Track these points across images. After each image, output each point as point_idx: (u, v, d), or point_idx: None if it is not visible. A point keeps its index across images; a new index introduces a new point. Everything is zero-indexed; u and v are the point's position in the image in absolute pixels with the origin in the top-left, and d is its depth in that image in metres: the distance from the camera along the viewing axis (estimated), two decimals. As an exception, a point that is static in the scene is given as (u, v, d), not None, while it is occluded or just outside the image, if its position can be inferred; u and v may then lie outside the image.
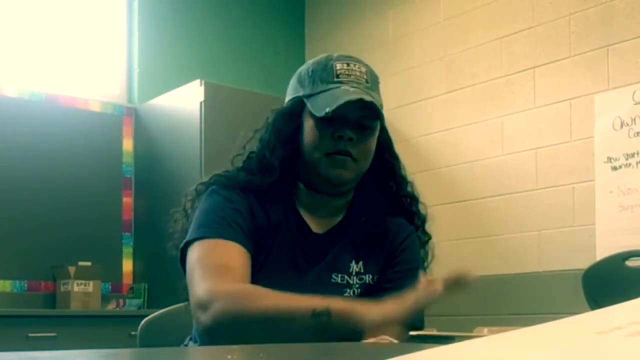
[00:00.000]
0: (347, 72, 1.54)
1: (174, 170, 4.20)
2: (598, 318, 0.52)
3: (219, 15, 4.99)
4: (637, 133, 3.65)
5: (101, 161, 4.46)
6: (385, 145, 1.64)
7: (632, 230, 3.61)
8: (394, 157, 1.66)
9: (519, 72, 4.11)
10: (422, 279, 1.32)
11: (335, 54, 1.59)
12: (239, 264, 1.46)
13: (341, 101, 1.48)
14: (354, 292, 1.57)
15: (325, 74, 1.54)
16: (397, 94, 4.67)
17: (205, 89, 4.12)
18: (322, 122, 1.52)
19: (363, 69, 1.57)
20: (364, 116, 1.52)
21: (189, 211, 1.58)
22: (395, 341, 1.31)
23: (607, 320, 0.51)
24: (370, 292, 1.59)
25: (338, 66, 1.54)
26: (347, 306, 1.31)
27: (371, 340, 1.27)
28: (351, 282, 1.57)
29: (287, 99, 1.63)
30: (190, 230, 1.52)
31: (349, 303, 1.33)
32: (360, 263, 1.59)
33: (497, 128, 4.19)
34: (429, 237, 1.69)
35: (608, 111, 3.74)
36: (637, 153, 3.64)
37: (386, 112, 1.67)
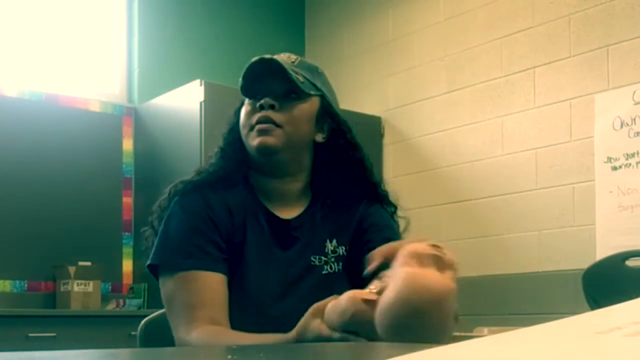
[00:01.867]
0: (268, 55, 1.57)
1: (174, 170, 4.20)
2: (598, 318, 0.52)
3: (219, 15, 4.99)
4: (637, 133, 3.65)
5: (101, 161, 4.46)
6: (342, 134, 1.65)
7: (632, 230, 3.61)
8: (353, 146, 1.66)
9: (519, 72, 4.11)
10: None
11: None
12: (212, 297, 1.48)
13: (246, 66, 1.52)
14: (331, 267, 1.60)
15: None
16: (397, 94, 4.67)
17: (205, 89, 4.12)
18: (247, 103, 1.57)
19: (293, 56, 1.61)
20: (280, 82, 1.54)
21: (157, 228, 1.59)
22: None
23: (607, 320, 0.50)
24: (351, 263, 1.61)
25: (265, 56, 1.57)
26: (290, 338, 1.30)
27: None
28: (327, 260, 1.61)
29: None
30: (158, 248, 1.53)
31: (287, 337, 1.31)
32: (334, 241, 1.62)
33: (497, 128, 4.19)
34: (395, 208, 1.71)
35: (608, 111, 3.74)
36: (637, 153, 3.64)
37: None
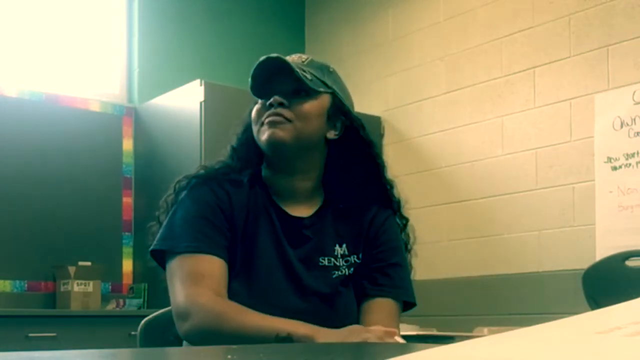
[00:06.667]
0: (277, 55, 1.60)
1: (174, 170, 4.18)
2: (598, 318, 0.52)
3: (219, 15, 4.99)
4: (637, 133, 3.65)
5: (101, 161, 4.46)
6: (355, 132, 1.67)
7: (632, 230, 3.61)
8: (366, 143, 1.69)
9: (519, 72, 4.11)
10: (384, 329, 1.40)
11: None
12: (213, 273, 1.52)
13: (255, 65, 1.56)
14: (343, 272, 1.63)
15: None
16: (397, 94, 4.67)
17: (205, 89, 4.11)
18: (259, 102, 1.61)
19: (304, 56, 1.65)
20: (289, 81, 1.57)
21: (163, 222, 1.64)
22: (402, 341, 1.35)
23: (607, 320, 0.50)
24: (358, 270, 1.65)
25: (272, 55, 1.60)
26: (309, 333, 1.38)
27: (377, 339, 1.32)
28: (338, 264, 1.63)
29: None
30: (164, 233, 1.58)
31: (310, 330, 1.40)
32: (344, 246, 1.65)
33: (497, 128, 4.19)
34: (407, 220, 1.75)
35: (608, 111, 3.74)
36: (637, 153, 3.64)
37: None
